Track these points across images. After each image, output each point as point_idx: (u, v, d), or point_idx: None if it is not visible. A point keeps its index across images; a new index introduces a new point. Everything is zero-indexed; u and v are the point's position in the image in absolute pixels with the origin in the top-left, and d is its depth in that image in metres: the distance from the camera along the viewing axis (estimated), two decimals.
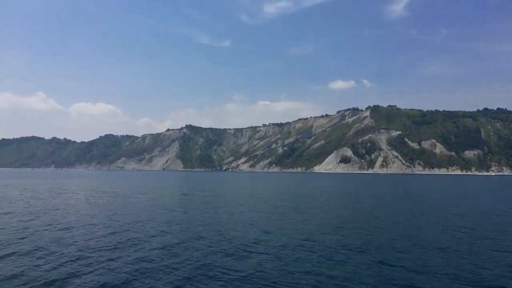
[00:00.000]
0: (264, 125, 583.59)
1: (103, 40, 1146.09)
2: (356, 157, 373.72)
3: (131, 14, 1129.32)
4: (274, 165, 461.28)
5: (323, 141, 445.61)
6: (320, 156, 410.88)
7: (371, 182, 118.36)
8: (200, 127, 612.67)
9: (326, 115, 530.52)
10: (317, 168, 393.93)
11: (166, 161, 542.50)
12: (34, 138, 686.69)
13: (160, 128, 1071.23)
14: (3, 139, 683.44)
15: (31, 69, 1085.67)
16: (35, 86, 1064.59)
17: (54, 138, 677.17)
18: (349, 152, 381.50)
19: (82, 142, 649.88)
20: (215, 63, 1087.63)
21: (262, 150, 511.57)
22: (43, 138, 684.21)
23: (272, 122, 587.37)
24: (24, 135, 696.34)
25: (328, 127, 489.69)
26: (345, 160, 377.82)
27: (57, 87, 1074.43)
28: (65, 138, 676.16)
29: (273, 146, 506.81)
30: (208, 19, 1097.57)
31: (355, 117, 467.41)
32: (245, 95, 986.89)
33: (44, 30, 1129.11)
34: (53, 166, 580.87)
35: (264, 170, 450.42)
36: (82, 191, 62.35)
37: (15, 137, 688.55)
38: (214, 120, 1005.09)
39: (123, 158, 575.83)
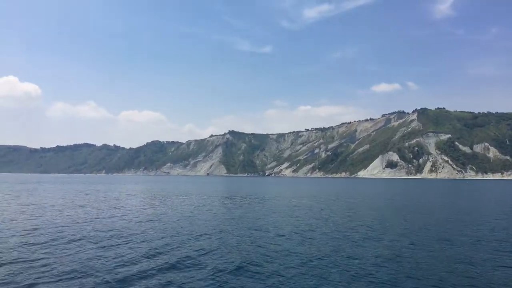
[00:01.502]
0: (307, 130, 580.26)
1: (147, 51, 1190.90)
2: (403, 162, 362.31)
3: (174, 25, 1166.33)
4: (317, 170, 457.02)
5: (367, 146, 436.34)
6: (365, 160, 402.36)
7: (428, 188, 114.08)
8: (243, 133, 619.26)
9: (371, 119, 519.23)
10: (361, 173, 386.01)
11: (210, 167, 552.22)
12: (86, 145, 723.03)
13: (203, 134, 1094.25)
14: (58, 146, 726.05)
15: (82, 80, 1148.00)
16: (86, 95, 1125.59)
17: (104, 145, 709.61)
18: (395, 157, 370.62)
19: (130, 149, 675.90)
20: (256, 69, 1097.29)
21: (305, 155, 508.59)
22: (94, 145, 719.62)
23: (314, 127, 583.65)
24: (77, 142, 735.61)
25: (372, 131, 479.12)
26: (391, 165, 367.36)
27: (107, 96, 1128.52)
28: (114, 145, 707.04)
29: (316, 151, 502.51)
30: (248, 25, 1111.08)
31: (401, 121, 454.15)
32: (286, 100, 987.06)
33: (93, 42, 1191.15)
34: (104, 171, 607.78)
35: (307, 175, 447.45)
36: (180, 195, 63.76)
37: (69, 144, 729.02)
38: (255, 126, 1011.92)
39: (169, 164, 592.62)
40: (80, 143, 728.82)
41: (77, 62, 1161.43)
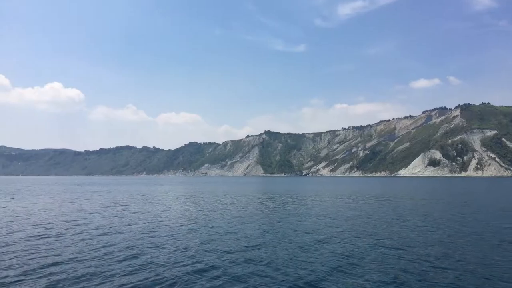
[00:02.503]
0: (344, 129, 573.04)
1: (182, 55, 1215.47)
2: (446, 160, 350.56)
3: (208, 27, 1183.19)
4: (355, 170, 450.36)
5: (408, 144, 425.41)
6: (405, 159, 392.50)
7: (483, 187, 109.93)
8: (279, 133, 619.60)
9: (410, 116, 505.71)
10: (402, 172, 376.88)
11: (247, 167, 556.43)
12: (127, 147, 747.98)
13: (239, 134, 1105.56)
14: (101, 148, 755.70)
15: (122, 84, 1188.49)
16: (126, 99, 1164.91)
17: (144, 147, 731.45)
18: (438, 155, 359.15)
19: (169, 150, 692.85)
20: (290, 68, 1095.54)
21: (343, 154, 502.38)
22: (135, 147, 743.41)
23: (351, 125, 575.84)
24: (119, 145, 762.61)
25: (413, 129, 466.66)
26: (433, 163, 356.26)
27: (145, 99, 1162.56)
28: (154, 147, 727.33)
29: (354, 149, 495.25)
30: (281, 25, 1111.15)
31: (443, 117, 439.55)
32: (322, 99, 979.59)
33: (131, 48, 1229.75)
34: (144, 173, 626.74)
35: (346, 175, 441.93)
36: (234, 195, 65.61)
37: (111, 147, 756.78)
38: (290, 125, 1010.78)
39: (206, 165, 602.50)
40: (121, 145, 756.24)
41: (117, 67, 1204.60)
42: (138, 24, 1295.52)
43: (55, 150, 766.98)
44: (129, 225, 26.23)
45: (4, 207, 39.55)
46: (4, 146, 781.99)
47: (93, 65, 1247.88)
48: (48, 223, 26.85)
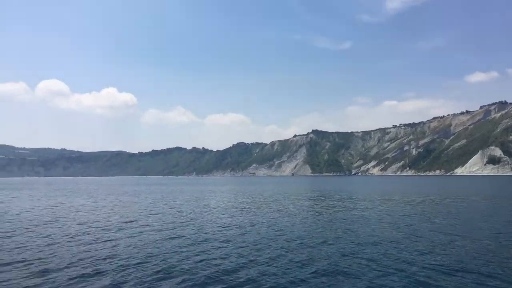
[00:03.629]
0: (394, 126, 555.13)
1: (229, 56, 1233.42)
2: (507, 157, 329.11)
3: (254, 28, 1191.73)
4: (407, 168, 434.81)
5: (464, 141, 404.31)
6: (462, 157, 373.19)
7: None
8: (326, 132, 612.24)
9: (467, 112, 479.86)
10: (459, 171, 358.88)
11: (295, 166, 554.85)
12: (177, 149, 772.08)
13: (285, 134, 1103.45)
14: (153, 150, 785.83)
15: (171, 87, 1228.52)
16: (175, 101, 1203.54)
17: (194, 148, 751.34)
18: (498, 152, 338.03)
19: (217, 151, 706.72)
20: (336, 65, 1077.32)
21: (394, 152, 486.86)
22: (185, 148, 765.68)
23: (401, 122, 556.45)
24: (169, 146, 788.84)
25: (469, 125, 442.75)
26: (493, 160, 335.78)
27: (193, 101, 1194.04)
28: (203, 148, 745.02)
29: (406, 148, 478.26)
30: (327, 23, 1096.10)
31: (503, 112, 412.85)
32: (369, 96, 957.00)
33: (179, 51, 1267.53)
34: (194, 173, 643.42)
35: (397, 174, 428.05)
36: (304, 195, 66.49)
37: (163, 148, 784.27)
38: (337, 124, 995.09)
39: (254, 165, 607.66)
40: (172, 147, 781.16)
41: (166, 71, 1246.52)
42: (186, 28, 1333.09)
43: (111, 152, 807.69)
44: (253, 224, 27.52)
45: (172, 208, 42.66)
46: (65, 149, 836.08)
47: (144, 69, 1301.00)
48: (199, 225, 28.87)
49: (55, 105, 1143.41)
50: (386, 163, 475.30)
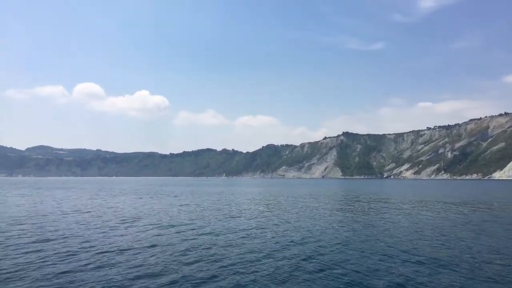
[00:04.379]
0: (428, 128, 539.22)
1: (257, 58, 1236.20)
2: None
3: (282, 30, 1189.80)
4: (442, 172, 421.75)
5: (503, 143, 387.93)
6: (501, 160, 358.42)
7: None
8: (357, 134, 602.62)
9: (506, 114, 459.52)
10: (497, 175, 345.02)
11: (325, 169, 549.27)
12: (208, 150, 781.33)
13: (315, 136, 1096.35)
14: (184, 151, 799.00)
15: (202, 89, 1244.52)
16: (206, 104, 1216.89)
17: (224, 150, 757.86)
18: None
19: (247, 152, 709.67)
20: (367, 67, 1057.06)
21: (428, 155, 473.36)
22: (215, 150, 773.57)
23: (436, 124, 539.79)
24: (200, 148, 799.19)
25: (508, 127, 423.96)
26: None
27: (224, 103, 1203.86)
28: (233, 149, 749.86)
29: (441, 150, 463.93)
30: (357, 23, 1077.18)
31: None
32: (402, 97, 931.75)
33: (209, 54, 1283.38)
34: (224, 175, 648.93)
35: (431, 177, 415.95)
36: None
37: (193, 150, 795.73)
38: (368, 126, 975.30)
39: (284, 167, 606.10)
40: (202, 148, 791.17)
41: (198, 73, 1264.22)
42: (216, 31, 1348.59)
43: (143, 153, 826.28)
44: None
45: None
46: (100, 150, 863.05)
47: (175, 72, 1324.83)
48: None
49: (90, 108, 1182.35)
50: (420, 166, 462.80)
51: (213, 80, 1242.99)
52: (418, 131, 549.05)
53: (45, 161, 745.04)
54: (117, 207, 41.61)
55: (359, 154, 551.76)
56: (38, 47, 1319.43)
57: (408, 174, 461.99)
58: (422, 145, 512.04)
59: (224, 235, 23.11)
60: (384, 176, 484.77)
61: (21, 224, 26.80)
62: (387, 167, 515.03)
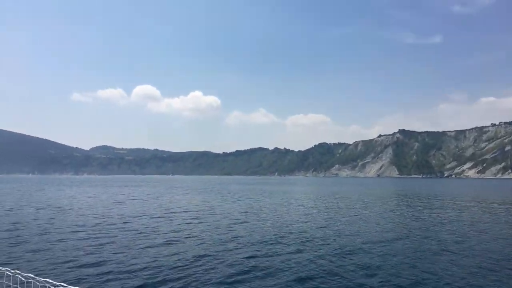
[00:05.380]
0: (493, 125, 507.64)
1: (309, 55, 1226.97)
2: None
3: (337, 26, 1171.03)
4: (510, 171, 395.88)
5: None
6: None
7: None
8: (414, 131, 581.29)
9: None
10: None
11: (380, 168, 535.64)
12: (260, 149, 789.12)
13: (368, 134, 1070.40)
14: (237, 150, 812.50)
15: (253, 90, 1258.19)
16: (257, 103, 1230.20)
17: (276, 149, 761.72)
18: None
19: (299, 151, 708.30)
20: (424, 61, 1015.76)
21: (493, 153, 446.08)
22: (267, 149, 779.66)
23: (501, 120, 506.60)
24: (252, 147, 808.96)
25: None
26: None
27: (275, 102, 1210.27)
28: (284, 148, 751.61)
29: (507, 148, 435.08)
30: (413, 16, 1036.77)
31: None
32: (463, 93, 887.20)
33: (258, 54, 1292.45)
34: (276, 173, 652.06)
35: (497, 176, 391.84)
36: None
37: (246, 149, 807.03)
38: (426, 123, 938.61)
39: (337, 165, 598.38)
40: (255, 147, 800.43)
41: (248, 73, 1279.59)
42: (267, 31, 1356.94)
43: (197, 153, 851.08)
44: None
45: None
46: (157, 149, 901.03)
47: (227, 73, 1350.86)
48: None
49: (148, 109, 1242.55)
50: (484, 165, 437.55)
51: (264, 80, 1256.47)
52: (482, 127, 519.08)
53: (107, 160, 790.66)
54: (232, 208, 44.18)
55: (416, 152, 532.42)
56: (98, 53, 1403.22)
57: (471, 173, 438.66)
58: (486, 143, 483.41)
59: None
60: (445, 175, 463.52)
61: (198, 218, 29.96)
62: (448, 166, 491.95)
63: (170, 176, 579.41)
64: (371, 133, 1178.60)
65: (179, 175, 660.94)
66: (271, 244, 20.17)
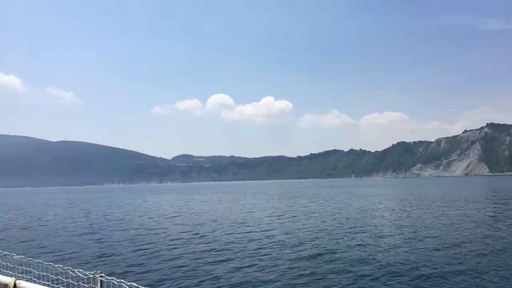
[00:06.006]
0: None
1: (379, 52, 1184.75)
2: None
3: (405, 19, 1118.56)
4: None
5: None
6: None
7: None
8: (505, 124, 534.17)
9: None
10: None
11: (468, 166, 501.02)
12: (335, 151, 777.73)
13: (451, 130, 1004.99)
14: (311, 153, 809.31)
15: (324, 91, 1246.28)
16: (329, 105, 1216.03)
17: (351, 150, 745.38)
18: None
19: (376, 152, 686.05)
20: (510, 47, 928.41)
21: None
22: (342, 151, 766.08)
23: None
24: (326, 149, 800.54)
25: None
26: None
27: (347, 103, 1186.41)
28: (360, 149, 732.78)
29: None
30: (492, 2, 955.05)
31: None
32: None
33: (328, 53, 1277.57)
34: (353, 175, 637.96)
35: None
36: None
37: (320, 151, 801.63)
38: None
39: (418, 165, 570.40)
40: (329, 149, 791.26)
41: (318, 76, 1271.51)
42: (336, 31, 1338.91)
43: (272, 158, 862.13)
44: None
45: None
46: (233, 156, 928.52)
47: (297, 76, 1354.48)
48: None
49: (222, 117, 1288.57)
50: None
51: (334, 81, 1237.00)
52: None
53: (188, 169, 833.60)
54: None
55: (509, 148, 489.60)
56: (174, 67, 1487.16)
57: None
58: None
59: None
60: None
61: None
62: None
63: (247, 181, 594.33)
64: (454, 129, 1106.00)
65: (254, 180, 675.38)
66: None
